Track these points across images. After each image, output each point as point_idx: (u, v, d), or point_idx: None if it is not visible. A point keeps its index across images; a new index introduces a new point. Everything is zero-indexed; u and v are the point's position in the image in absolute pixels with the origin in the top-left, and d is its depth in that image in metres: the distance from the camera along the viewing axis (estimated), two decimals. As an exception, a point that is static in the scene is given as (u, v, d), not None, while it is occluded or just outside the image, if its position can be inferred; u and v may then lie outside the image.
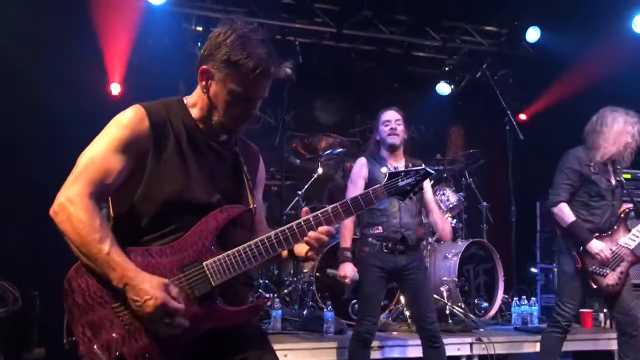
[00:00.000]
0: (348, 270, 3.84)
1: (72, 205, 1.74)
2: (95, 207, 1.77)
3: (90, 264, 1.74)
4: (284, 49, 6.49)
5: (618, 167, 4.11)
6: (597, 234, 3.95)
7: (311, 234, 1.90)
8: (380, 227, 3.83)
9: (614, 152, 3.94)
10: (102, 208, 1.87)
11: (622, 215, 4.06)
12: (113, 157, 1.81)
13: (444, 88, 8.11)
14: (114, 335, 1.75)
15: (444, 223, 4.19)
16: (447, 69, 8.10)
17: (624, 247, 3.97)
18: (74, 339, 1.76)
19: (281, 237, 1.90)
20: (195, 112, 1.96)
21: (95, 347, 1.74)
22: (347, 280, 3.85)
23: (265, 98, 1.94)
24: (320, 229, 1.90)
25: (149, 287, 1.70)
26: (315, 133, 6.18)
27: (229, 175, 2.01)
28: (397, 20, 7.47)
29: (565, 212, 3.96)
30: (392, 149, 3.95)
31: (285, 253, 2.02)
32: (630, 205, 4.16)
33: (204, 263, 1.83)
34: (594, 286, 3.95)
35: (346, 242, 3.93)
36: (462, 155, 6.48)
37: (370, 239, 3.86)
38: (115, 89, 6.60)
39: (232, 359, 1.90)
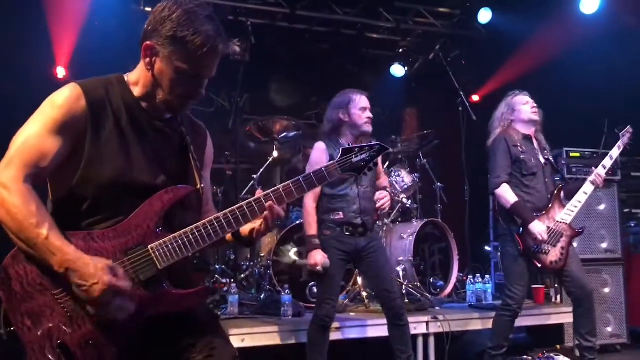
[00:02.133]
0: (319, 258, 3.69)
1: (6, 190, 1.66)
2: (31, 191, 1.68)
3: (29, 250, 1.67)
4: (236, 30, 6.37)
5: (544, 147, 4.28)
6: (535, 213, 4.05)
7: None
8: (340, 213, 3.77)
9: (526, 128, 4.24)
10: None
11: (555, 192, 4.17)
12: (48, 139, 1.72)
13: (398, 70, 8.15)
14: (55, 322, 1.68)
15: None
16: (400, 50, 8.13)
17: (561, 222, 4.07)
18: (12, 329, 1.69)
19: (231, 218, 1.85)
20: (137, 90, 1.88)
21: (35, 336, 1.66)
22: (318, 268, 3.69)
23: (212, 76, 1.88)
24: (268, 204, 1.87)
25: (94, 271, 1.63)
26: (270, 116, 6.09)
27: (175, 155, 1.94)
28: (350, 1, 7.43)
29: (508, 193, 4.04)
30: (362, 135, 3.86)
31: (229, 236, 1.97)
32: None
33: (149, 246, 1.77)
34: (539, 265, 4.03)
35: (312, 229, 3.76)
36: (417, 136, 6.52)
37: (329, 224, 3.81)
38: (61, 72, 6.38)
39: (182, 343, 1.86)
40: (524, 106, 4.22)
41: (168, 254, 1.78)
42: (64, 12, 6.17)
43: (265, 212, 1.87)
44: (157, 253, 1.77)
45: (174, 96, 1.85)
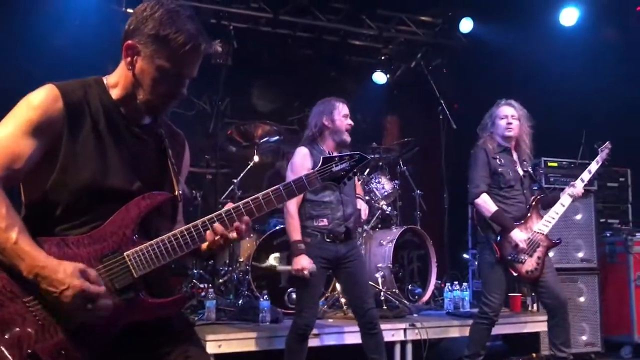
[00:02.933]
0: (305, 262, 3.63)
1: None
2: (1, 194, 1.64)
3: None
4: (219, 34, 6.33)
5: (524, 159, 4.33)
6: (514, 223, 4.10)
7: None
8: (325, 220, 3.76)
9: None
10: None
11: (534, 203, 4.22)
12: (22, 140, 1.68)
13: (379, 77, 8.18)
14: (26, 331, 1.63)
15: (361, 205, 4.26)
16: (382, 58, 8.17)
17: (538, 233, 4.12)
18: (-20, 337, 1.63)
19: (209, 225, 1.82)
20: (116, 93, 1.85)
21: (4, 345, 1.61)
22: (305, 273, 3.63)
23: (194, 76, 1.86)
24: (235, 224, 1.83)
25: (63, 276, 1.59)
26: (252, 120, 6.07)
27: (152, 161, 1.91)
28: (333, 7, 7.45)
29: (488, 202, 4.09)
30: (343, 142, 3.88)
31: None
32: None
33: (124, 253, 1.73)
34: (514, 274, 4.08)
35: (297, 234, 3.72)
36: (397, 143, 6.55)
37: (310, 230, 3.77)
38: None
39: (158, 351, 1.83)
40: (501, 121, 4.26)
41: (144, 262, 1.75)
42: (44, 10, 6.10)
43: (236, 224, 1.83)
44: (132, 261, 1.74)
45: (155, 96, 1.82)
